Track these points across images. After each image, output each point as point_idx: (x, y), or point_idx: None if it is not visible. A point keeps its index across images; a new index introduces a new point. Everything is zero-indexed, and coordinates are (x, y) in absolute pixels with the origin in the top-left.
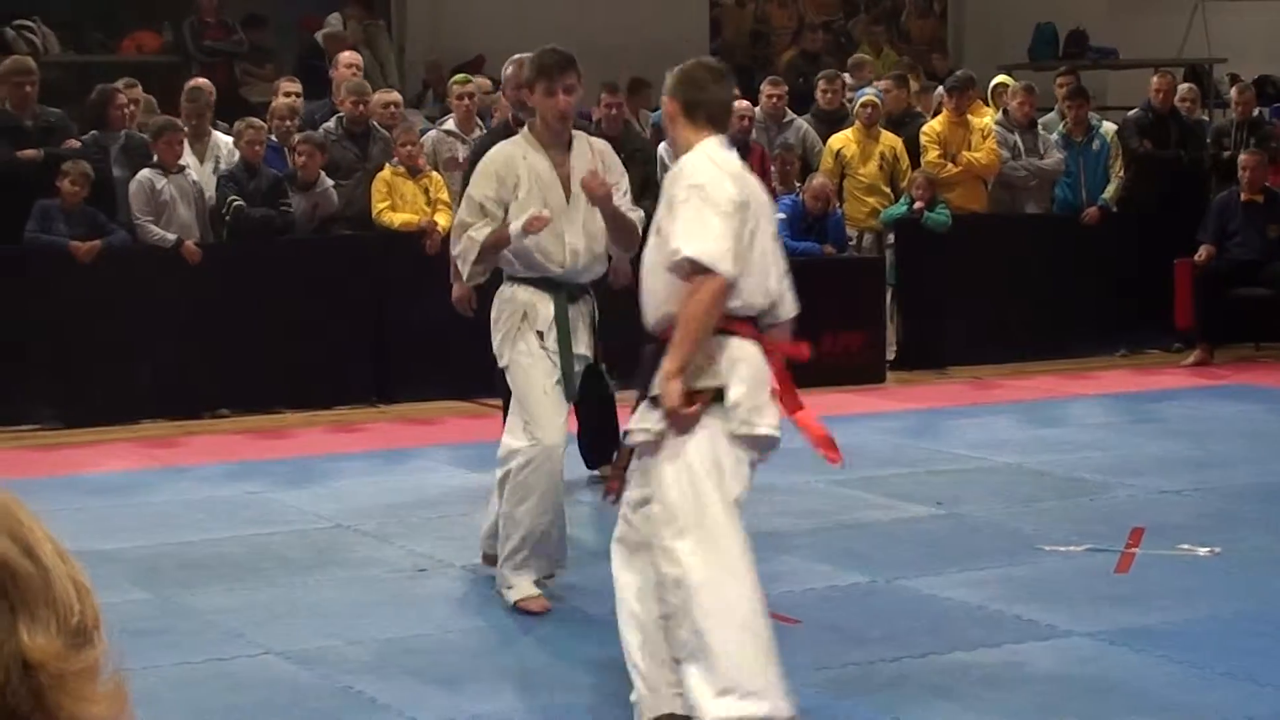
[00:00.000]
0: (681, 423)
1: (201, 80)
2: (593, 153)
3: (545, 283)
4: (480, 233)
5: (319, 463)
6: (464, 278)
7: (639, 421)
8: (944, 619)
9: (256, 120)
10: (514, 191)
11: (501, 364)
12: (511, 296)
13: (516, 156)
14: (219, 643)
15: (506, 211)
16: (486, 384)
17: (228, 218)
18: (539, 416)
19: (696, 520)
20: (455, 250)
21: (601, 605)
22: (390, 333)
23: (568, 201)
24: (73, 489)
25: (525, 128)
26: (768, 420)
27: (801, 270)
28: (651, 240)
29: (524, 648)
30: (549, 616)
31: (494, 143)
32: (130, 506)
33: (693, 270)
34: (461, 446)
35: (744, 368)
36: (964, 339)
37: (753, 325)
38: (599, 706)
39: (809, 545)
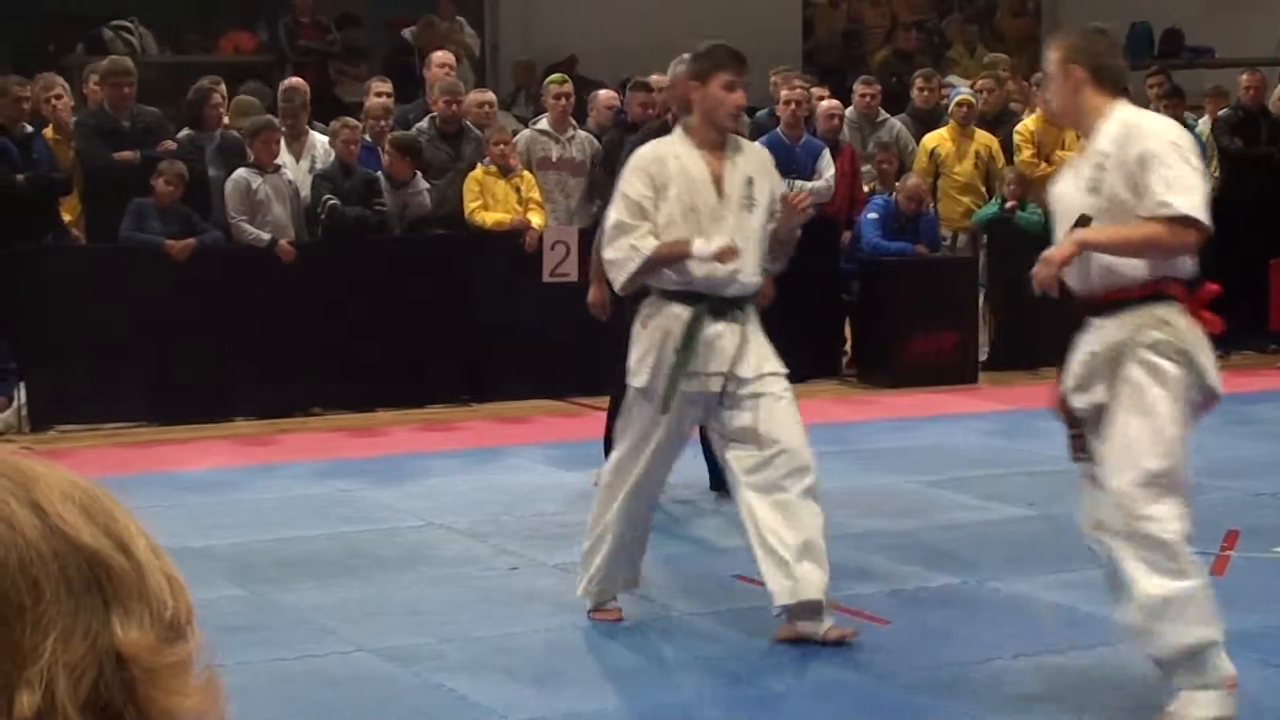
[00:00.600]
0: (1045, 272)
1: (296, 80)
2: (756, 157)
3: (689, 295)
4: (644, 243)
5: (410, 461)
6: (617, 287)
7: (1082, 395)
8: (1035, 621)
9: (351, 120)
10: (663, 191)
11: (637, 383)
12: (660, 311)
13: (668, 155)
14: (312, 639)
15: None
16: (578, 383)
17: (322, 216)
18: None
19: (1171, 483)
20: (610, 254)
21: (690, 607)
22: (481, 331)
23: (719, 202)
24: (167, 486)
25: (679, 126)
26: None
27: (894, 270)
28: (1090, 201)
29: (616, 647)
30: (640, 618)
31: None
32: (223, 504)
33: (1174, 223)
34: (553, 445)
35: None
36: (1056, 339)
37: (1187, 289)
38: (692, 706)
39: (900, 546)
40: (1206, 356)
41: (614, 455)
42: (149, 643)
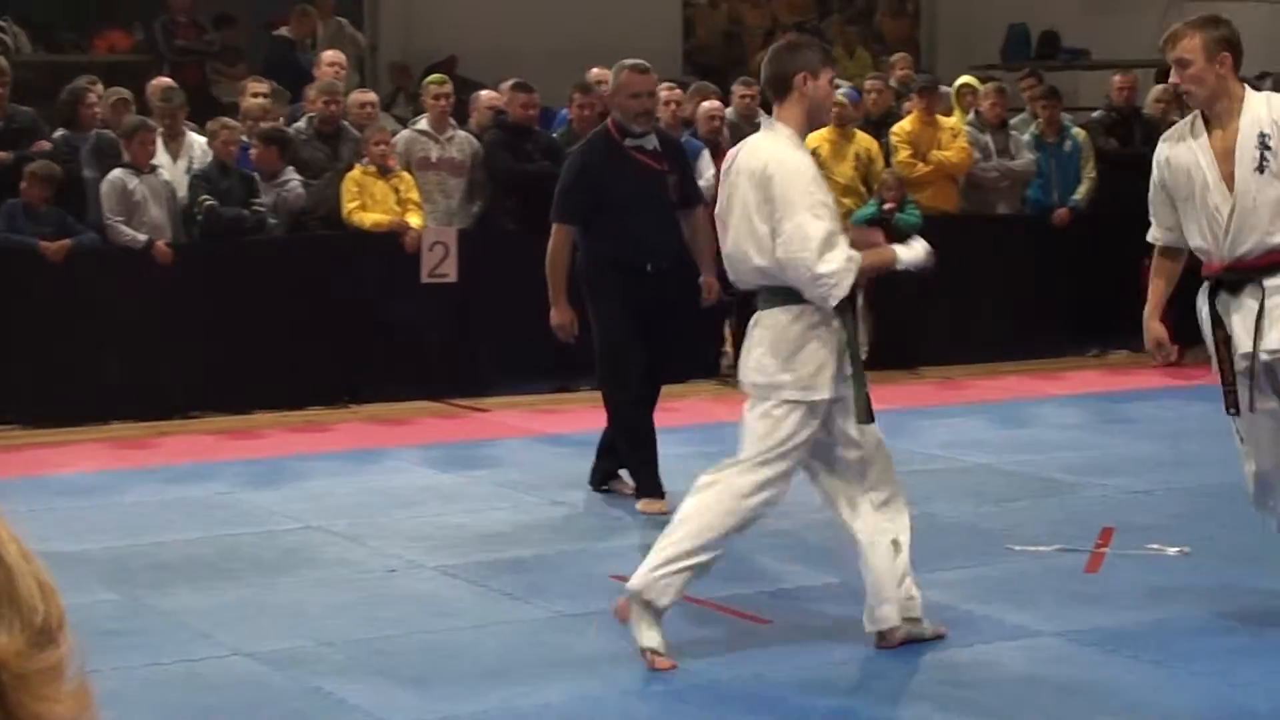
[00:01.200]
0: None
1: (165, 79)
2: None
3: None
4: (853, 253)
5: (290, 463)
6: (834, 301)
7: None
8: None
9: (231, 120)
10: None
11: (816, 396)
12: (826, 321)
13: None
14: (188, 644)
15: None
16: (456, 384)
17: (199, 217)
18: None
19: None
20: (829, 267)
21: (570, 607)
22: (360, 332)
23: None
24: (42, 489)
25: (774, 122)
26: None
27: None
28: (1258, 180)
29: (496, 648)
30: (520, 619)
31: (589, 151)
32: (100, 507)
33: None
34: (432, 447)
35: None
36: (936, 339)
37: None
38: (568, 706)
39: (781, 544)
40: None
41: (759, 474)
42: (18, 648)
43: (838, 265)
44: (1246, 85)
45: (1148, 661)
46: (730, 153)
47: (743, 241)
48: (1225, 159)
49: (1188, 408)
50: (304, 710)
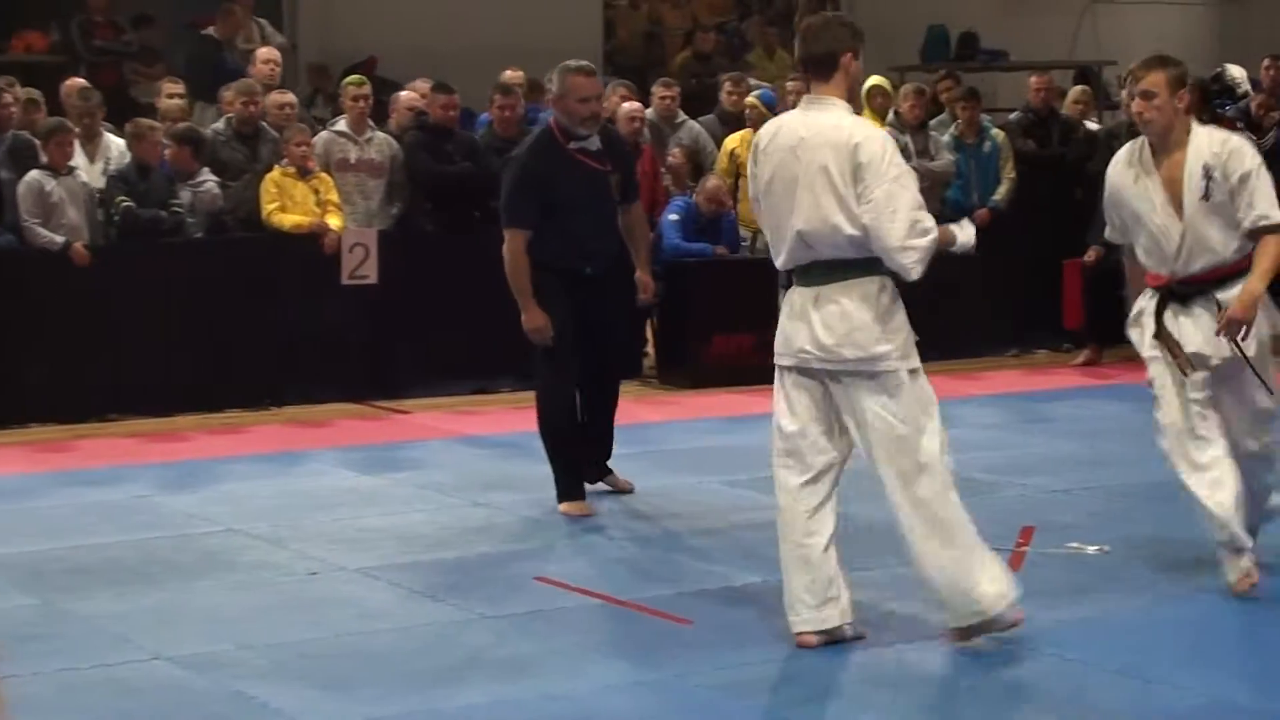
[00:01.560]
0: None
1: (80, 80)
2: None
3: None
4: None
5: (210, 466)
6: (917, 275)
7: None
8: None
9: (154, 122)
10: None
11: (915, 364)
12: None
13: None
14: (107, 648)
15: None
16: (377, 386)
17: (115, 218)
18: None
19: None
20: (921, 241)
21: (491, 609)
22: (281, 334)
23: None
24: None
25: (834, 100)
26: None
27: (695, 271)
28: (1204, 208)
29: (418, 650)
30: (444, 618)
31: (535, 155)
32: (17, 511)
33: (1267, 232)
34: (353, 449)
35: None
36: None
37: None
38: (493, 707)
39: (701, 546)
40: None
41: (941, 434)
42: None
43: (926, 239)
44: (1194, 120)
45: (1068, 660)
46: (769, 129)
47: (832, 213)
48: (1171, 186)
49: (1106, 407)
50: (225, 714)
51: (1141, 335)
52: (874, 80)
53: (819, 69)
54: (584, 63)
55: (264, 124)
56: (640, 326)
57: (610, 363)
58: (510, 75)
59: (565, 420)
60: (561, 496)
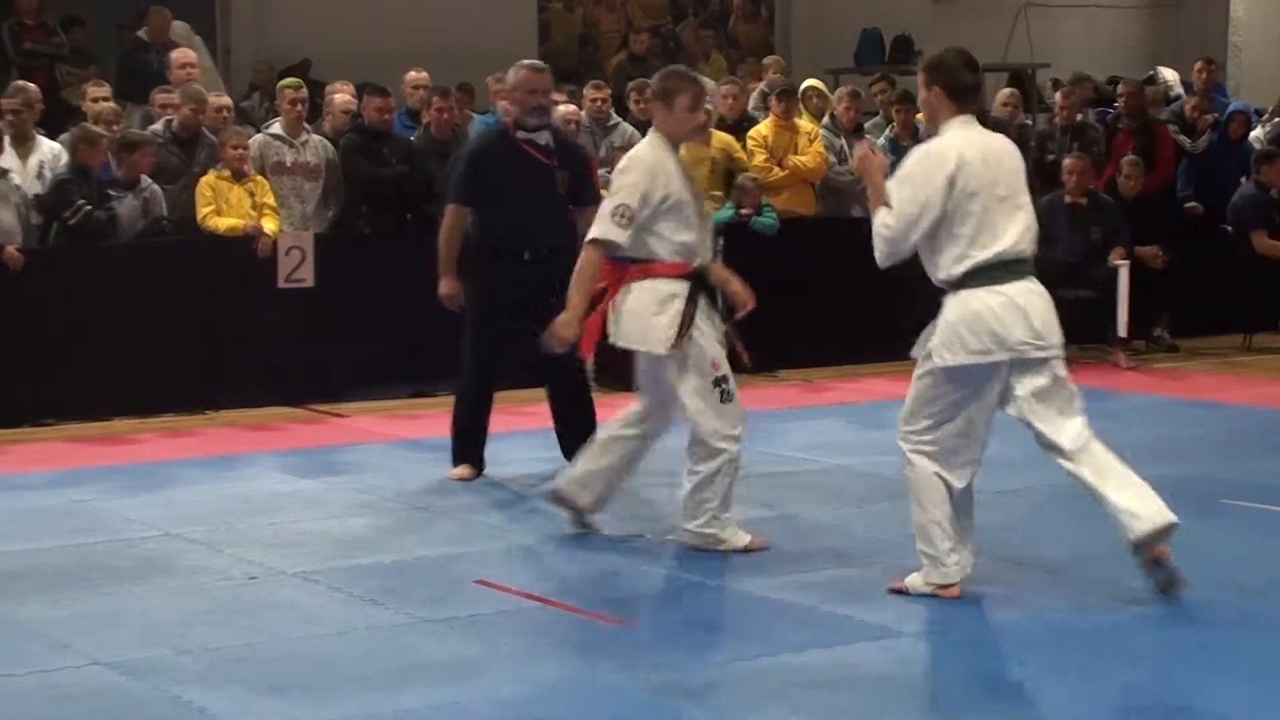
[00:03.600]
0: None
1: (23, 81)
2: None
3: None
4: None
5: (147, 470)
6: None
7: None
8: (775, 620)
9: (101, 130)
10: None
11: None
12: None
13: None
14: (43, 654)
15: None
16: (314, 389)
17: (71, 220)
18: None
19: None
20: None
21: (430, 612)
22: (218, 337)
23: None
24: None
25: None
26: None
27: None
28: None
29: (356, 654)
30: (381, 624)
31: (483, 140)
32: None
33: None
34: (290, 453)
35: None
36: (793, 342)
37: None
38: (432, 711)
39: (641, 547)
40: None
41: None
42: None
43: None
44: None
45: (1010, 661)
46: (958, 151)
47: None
48: None
49: None
50: (163, 719)
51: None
52: (810, 82)
53: (963, 99)
54: (537, 61)
55: (203, 129)
56: None
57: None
58: (413, 77)
59: (475, 389)
60: (456, 461)
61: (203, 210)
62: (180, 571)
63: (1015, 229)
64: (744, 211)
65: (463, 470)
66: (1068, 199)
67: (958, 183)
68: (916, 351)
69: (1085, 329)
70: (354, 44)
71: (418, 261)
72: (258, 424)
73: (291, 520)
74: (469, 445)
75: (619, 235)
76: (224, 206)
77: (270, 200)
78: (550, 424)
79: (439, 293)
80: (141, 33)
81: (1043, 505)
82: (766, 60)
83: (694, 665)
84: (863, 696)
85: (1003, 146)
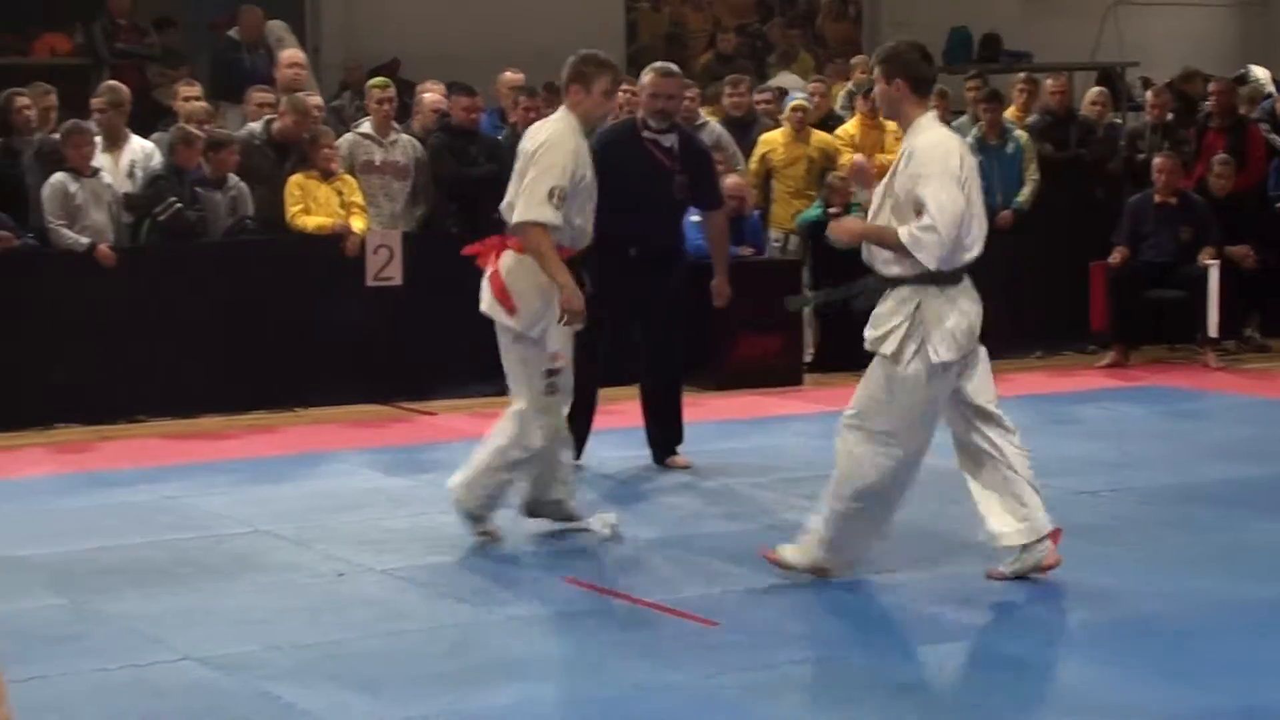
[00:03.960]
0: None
1: (113, 81)
2: None
3: None
4: None
5: (236, 467)
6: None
7: None
8: (862, 621)
9: (197, 130)
10: None
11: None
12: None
13: None
14: (136, 649)
15: None
16: (402, 387)
17: (162, 218)
18: None
19: None
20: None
21: (520, 610)
22: (306, 336)
23: None
24: None
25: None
26: None
27: None
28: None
29: (445, 651)
30: (470, 620)
31: (610, 133)
32: (43, 512)
33: None
34: (378, 450)
35: None
36: None
37: None
38: (519, 710)
39: (728, 547)
40: None
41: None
42: None
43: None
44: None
45: (1098, 661)
46: (959, 148)
47: None
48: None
49: (1131, 408)
50: (252, 715)
51: None
52: None
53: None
54: (667, 64)
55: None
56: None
57: (658, 351)
58: (510, 77)
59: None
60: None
61: (291, 209)
62: (270, 568)
63: (982, 229)
64: (832, 210)
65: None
66: (1157, 198)
67: (964, 174)
68: (888, 348)
69: (1175, 329)
70: (442, 43)
71: None
72: (346, 421)
73: (380, 517)
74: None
75: (554, 217)
76: (312, 205)
77: (358, 199)
78: (639, 421)
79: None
80: (233, 32)
81: (1131, 506)
82: (854, 60)
83: (780, 665)
84: (951, 697)
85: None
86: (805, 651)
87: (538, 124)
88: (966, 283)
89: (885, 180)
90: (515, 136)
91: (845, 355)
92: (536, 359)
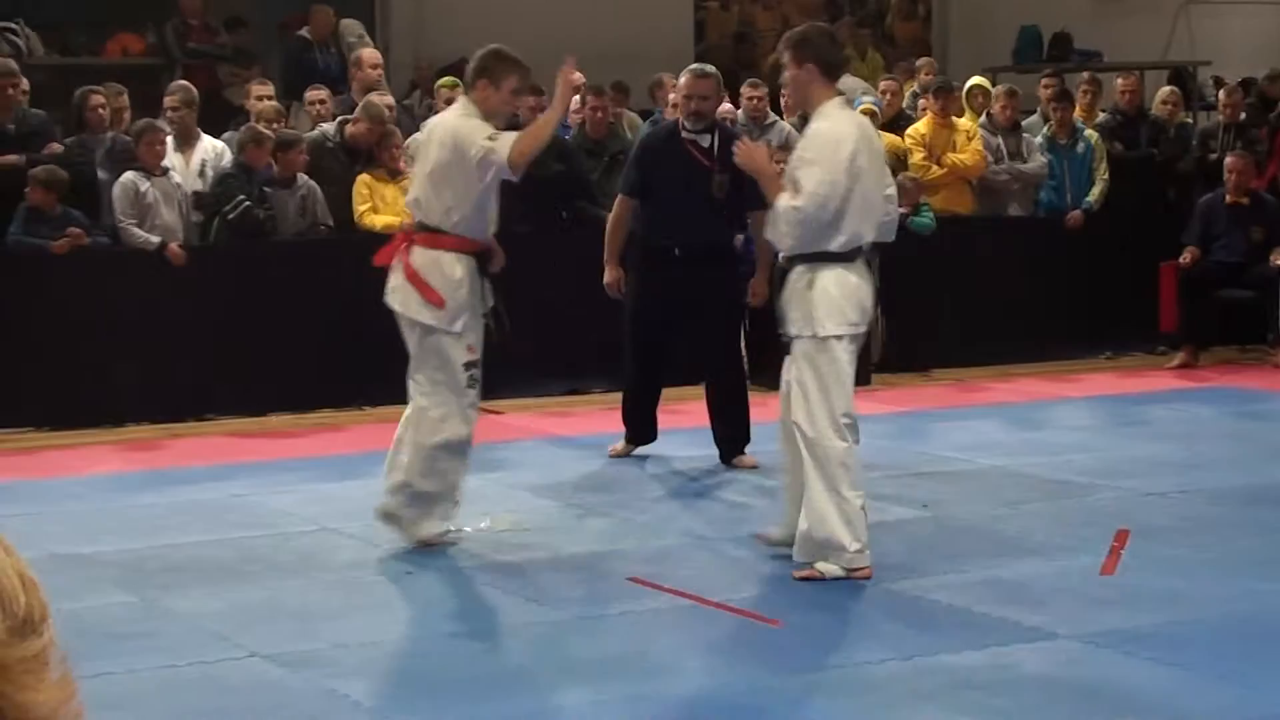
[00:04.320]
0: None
1: (183, 82)
2: None
3: None
4: None
5: (304, 465)
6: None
7: None
8: (929, 621)
9: (267, 131)
10: None
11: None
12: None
13: None
14: (204, 646)
15: None
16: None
17: (231, 216)
18: None
19: None
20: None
21: (584, 610)
22: (373, 334)
23: None
24: (55, 492)
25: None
26: None
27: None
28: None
29: (510, 651)
30: (537, 619)
31: (652, 134)
32: (112, 510)
33: None
34: None
35: None
36: (949, 341)
37: None
38: (584, 709)
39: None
40: None
41: (841, 406)
42: (1, 638)
43: None
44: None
45: (1165, 664)
46: (853, 133)
47: None
48: None
49: (1200, 410)
50: (320, 713)
51: None
52: (975, 80)
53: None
54: (702, 66)
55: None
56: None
57: (702, 348)
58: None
59: (634, 377)
60: (627, 439)
61: (359, 208)
62: (336, 566)
63: (875, 215)
64: (901, 210)
65: (618, 446)
66: (1229, 198)
67: (856, 163)
68: (796, 330)
69: (1245, 330)
70: (510, 43)
71: (574, 260)
72: None
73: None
74: (634, 429)
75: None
76: (380, 204)
77: None
78: (706, 421)
79: (604, 280)
80: (305, 31)
81: (1200, 507)
82: (920, 62)
83: (847, 665)
84: (1017, 699)
85: (874, 131)
86: (867, 651)
87: (437, 117)
88: (860, 263)
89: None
90: (584, 136)
91: (913, 355)
92: (455, 353)
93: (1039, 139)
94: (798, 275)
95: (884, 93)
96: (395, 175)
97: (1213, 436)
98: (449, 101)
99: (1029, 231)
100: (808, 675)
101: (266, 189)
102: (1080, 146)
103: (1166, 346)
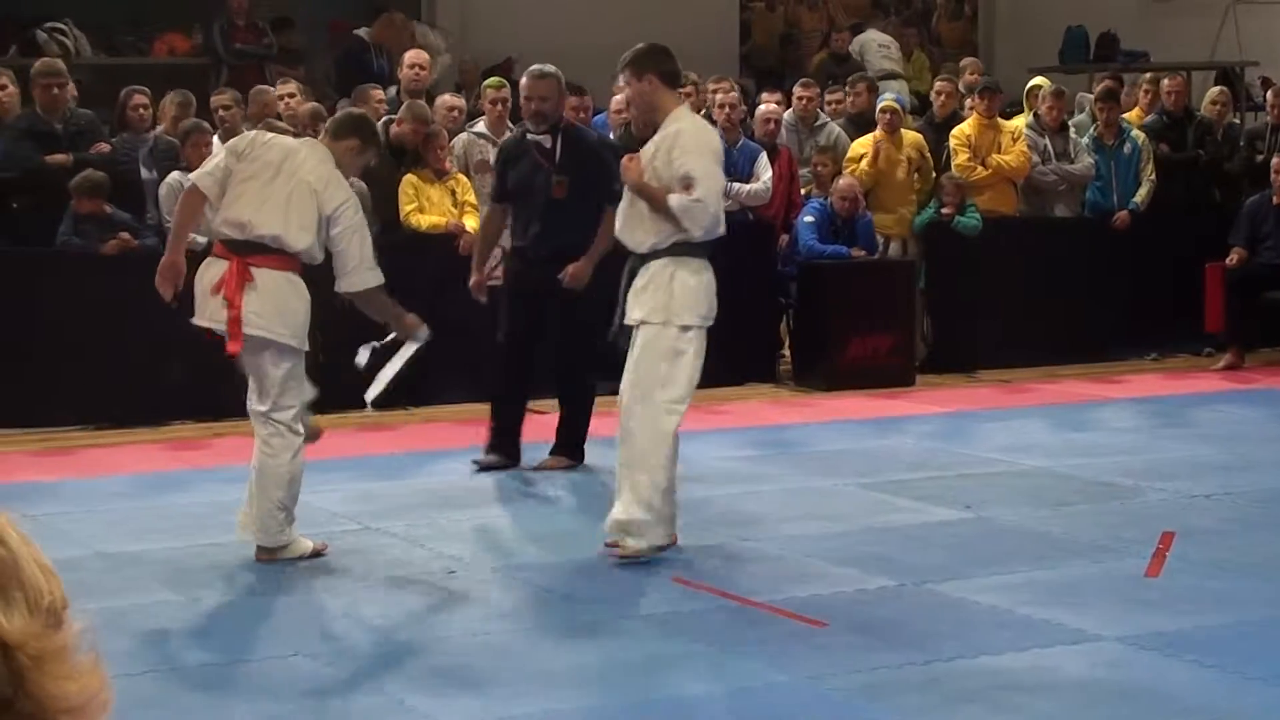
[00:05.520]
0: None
1: (228, 88)
2: None
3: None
4: None
5: (347, 465)
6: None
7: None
8: (972, 623)
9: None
10: None
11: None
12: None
13: None
14: (248, 644)
15: None
16: None
17: None
18: None
19: None
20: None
21: (625, 610)
22: None
23: None
24: (99, 491)
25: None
26: None
27: (832, 273)
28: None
29: (555, 651)
30: (577, 621)
31: (511, 139)
32: (157, 508)
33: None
34: None
35: None
36: (993, 342)
37: None
38: (623, 709)
39: (837, 548)
40: None
41: (678, 392)
42: (33, 630)
43: None
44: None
45: (1208, 666)
46: (713, 131)
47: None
48: None
49: (1246, 411)
50: (364, 711)
51: None
52: (1035, 81)
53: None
54: (542, 67)
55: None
56: (776, 329)
57: (563, 356)
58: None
59: (497, 387)
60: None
61: (405, 208)
62: (380, 565)
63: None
64: (945, 211)
65: (488, 458)
66: (1276, 200)
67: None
68: (646, 316)
69: None
70: (556, 43)
71: (616, 260)
72: (457, 420)
73: (489, 516)
74: (495, 439)
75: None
76: (425, 205)
77: (471, 198)
78: (747, 423)
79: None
80: (363, 32)
81: (1244, 510)
82: (965, 62)
83: (890, 667)
84: (1061, 701)
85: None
86: (914, 653)
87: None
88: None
89: (645, 164)
90: (629, 136)
91: (956, 355)
92: (301, 371)
93: (1085, 139)
94: (660, 267)
95: (938, 93)
96: (441, 175)
97: (1258, 439)
98: (494, 102)
99: (1075, 232)
100: (853, 676)
101: None
102: (1127, 147)
103: (1212, 348)
